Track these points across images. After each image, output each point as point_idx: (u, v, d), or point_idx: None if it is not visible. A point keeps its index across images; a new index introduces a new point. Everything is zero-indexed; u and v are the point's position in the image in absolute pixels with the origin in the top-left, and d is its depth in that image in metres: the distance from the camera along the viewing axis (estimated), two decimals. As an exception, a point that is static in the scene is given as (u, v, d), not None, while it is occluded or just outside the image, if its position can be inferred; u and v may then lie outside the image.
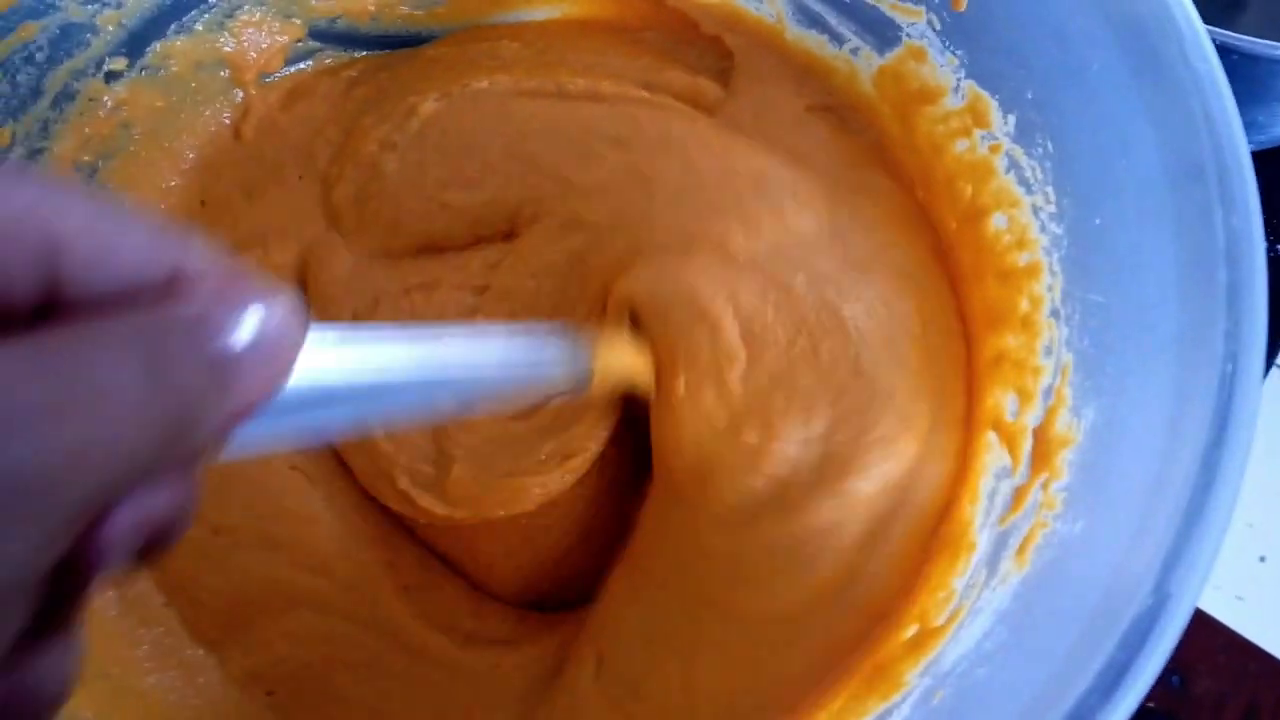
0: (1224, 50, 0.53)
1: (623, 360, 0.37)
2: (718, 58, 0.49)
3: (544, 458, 0.39)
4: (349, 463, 0.41)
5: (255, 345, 0.19)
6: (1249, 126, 0.66)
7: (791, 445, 0.37)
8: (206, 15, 0.48)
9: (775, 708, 0.38)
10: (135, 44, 0.46)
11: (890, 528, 0.38)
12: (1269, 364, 0.70)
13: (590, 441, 0.40)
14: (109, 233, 0.19)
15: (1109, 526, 0.32)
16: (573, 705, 0.38)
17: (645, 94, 0.45)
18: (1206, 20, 0.56)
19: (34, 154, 0.45)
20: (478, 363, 0.27)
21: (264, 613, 0.39)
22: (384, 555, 0.41)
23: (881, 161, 0.45)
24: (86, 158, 0.47)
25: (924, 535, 0.38)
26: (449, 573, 0.43)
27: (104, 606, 0.39)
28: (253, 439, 0.20)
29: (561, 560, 0.41)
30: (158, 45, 0.47)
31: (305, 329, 0.20)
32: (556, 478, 0.39)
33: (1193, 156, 0.33)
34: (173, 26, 0.47)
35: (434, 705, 0.39)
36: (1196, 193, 0.33)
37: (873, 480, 0.37)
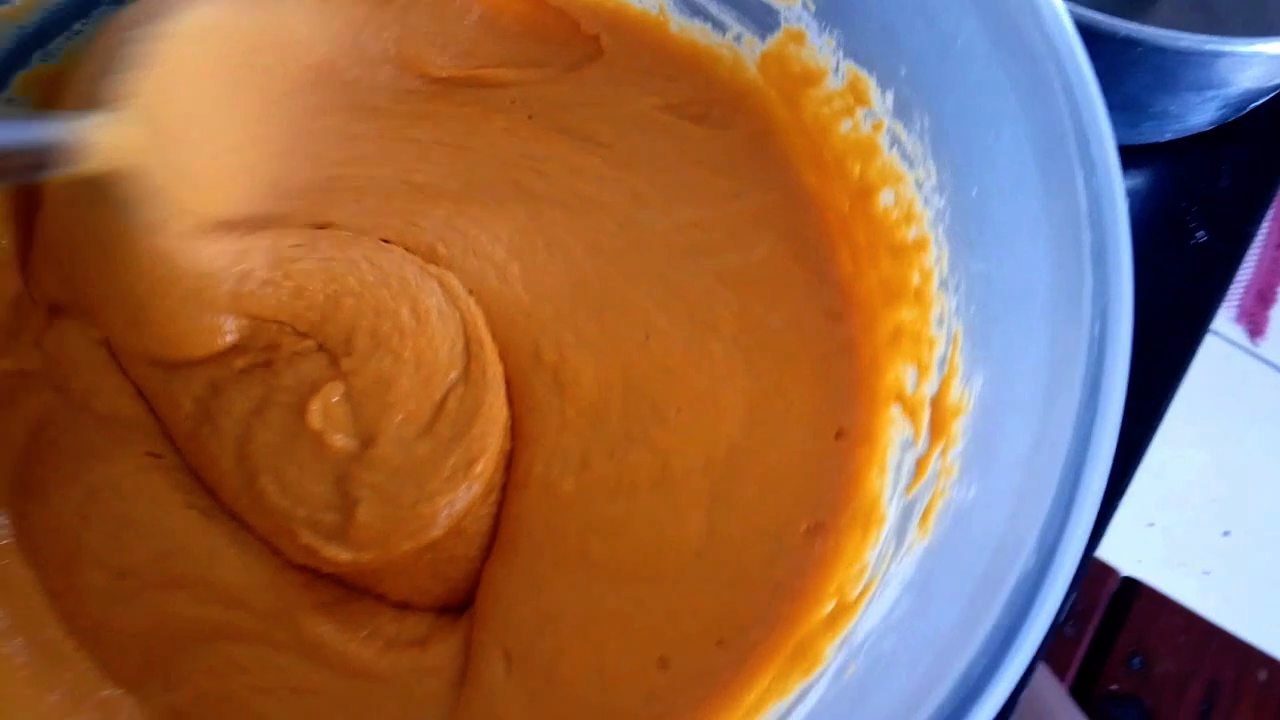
0: (1131, 42, 0.54)
1: (110, 133, 0.37)
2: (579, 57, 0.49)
3: (449, 474, 0.38)
4: (246, 521, 0.40)
5: None
6: (1161, 117, 0.67)
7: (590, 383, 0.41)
8: (73, 41, 0.46)
9: (697, 685, 0.38)
10: (-4, 75, 0.45)
11: (733, 490, 0.40)
12: (1203, 330, 0.71)
13: (490, 437, 0.39)
14: None
15: (996, 492, 0.33)
16: (490, 709, 0.38)
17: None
18: (1119, 11, 0.57)
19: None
20: None
21: (181, 649, 0.38)
22: (299, 577, 0.40)
23: (755, 155, 0.45)
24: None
25: (787, 504, 0.40)
26: (368, 586, 0.42)
27: (11, 654, 0.38)
28: None
29: (475, 582, 0.41)
30: (18, 76, 0.45)
31: None
32: (463, 492, 0.38)
33: (1053, 123, 0.34)
34: (36, 55, 0.45)
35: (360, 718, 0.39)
36: (1059, 157, 0.34)
37: (677, 434, 0.40)
